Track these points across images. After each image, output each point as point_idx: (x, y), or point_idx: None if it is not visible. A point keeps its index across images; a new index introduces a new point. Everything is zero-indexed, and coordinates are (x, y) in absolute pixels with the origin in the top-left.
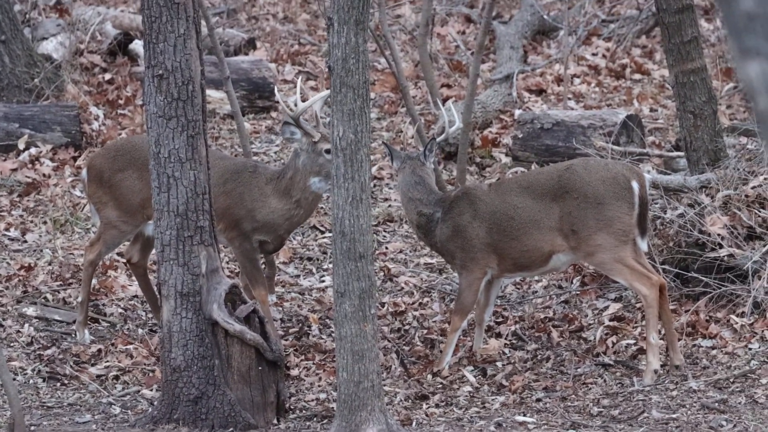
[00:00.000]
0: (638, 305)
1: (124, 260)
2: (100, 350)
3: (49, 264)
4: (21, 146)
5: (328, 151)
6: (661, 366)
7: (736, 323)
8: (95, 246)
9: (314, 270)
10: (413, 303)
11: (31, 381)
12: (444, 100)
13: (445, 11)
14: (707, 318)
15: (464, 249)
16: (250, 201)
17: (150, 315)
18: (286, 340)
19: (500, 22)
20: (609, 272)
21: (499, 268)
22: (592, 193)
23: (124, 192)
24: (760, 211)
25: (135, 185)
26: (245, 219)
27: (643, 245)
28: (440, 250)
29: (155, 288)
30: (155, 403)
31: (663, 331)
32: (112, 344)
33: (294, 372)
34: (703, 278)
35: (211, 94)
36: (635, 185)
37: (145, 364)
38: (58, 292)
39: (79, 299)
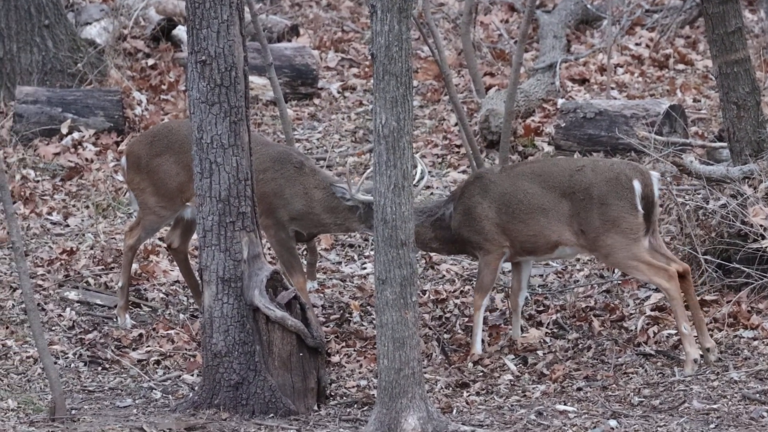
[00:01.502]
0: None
1: (165, 245)
2: (141, 335)
3: (91, 248)
4: (64, 131)
5: None
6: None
7: None
8: (134, 231)
9: (356, 257)
10: (454, 291)
11: (72, 365)
12: (487, 89)
13: (488, 0)
14: (749, 309)
15: (477, 231)
16: (291, 195)
17: (191, 300)
18: (327, 326)
19: (543, 11)
20: (626, 270)
21: (511, 250)
22: (596, 194)
23: (162, 177)
24: None
25: (172, 169)
26: (281, 208)
27: (646, 243)
28: (459, 243)
29: (196, 273)
30: (196, 388)
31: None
32: (154, 329)
33: (335, 359)
34: (746, 269)
35: (254, 80)
36: (636, 185)
37: (186, 349)
38: (100, 277)
39: (120, 284)
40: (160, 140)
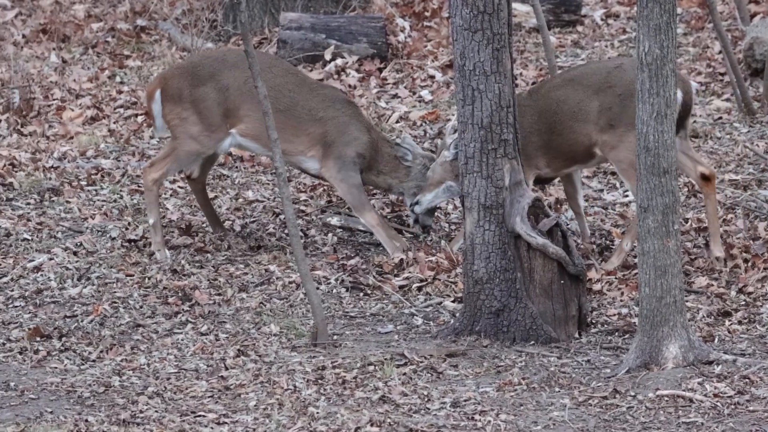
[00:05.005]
0: None
1: (185, 176)
2: (402, 261)
3: None
4: (327, 57)
5: None
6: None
7: None
8: (161, 163)
9: (618, 185)
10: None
11: (334, 290)
12: (752, 16)
13: None
14: None
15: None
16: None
17: (452, 226)
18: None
19: None
20: (622, 172)
21: (551, 168)
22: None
23: (209, 105)
24: None
25: (218, 97)
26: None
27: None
28: None
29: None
30: (457, 314)
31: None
32: (414, 256)
33: (596, 286)
34: None
35: (517, 7)
36: (678, 93)
37: (447, 276)
38: None
39: (151, 222)
40: (203, 69)
